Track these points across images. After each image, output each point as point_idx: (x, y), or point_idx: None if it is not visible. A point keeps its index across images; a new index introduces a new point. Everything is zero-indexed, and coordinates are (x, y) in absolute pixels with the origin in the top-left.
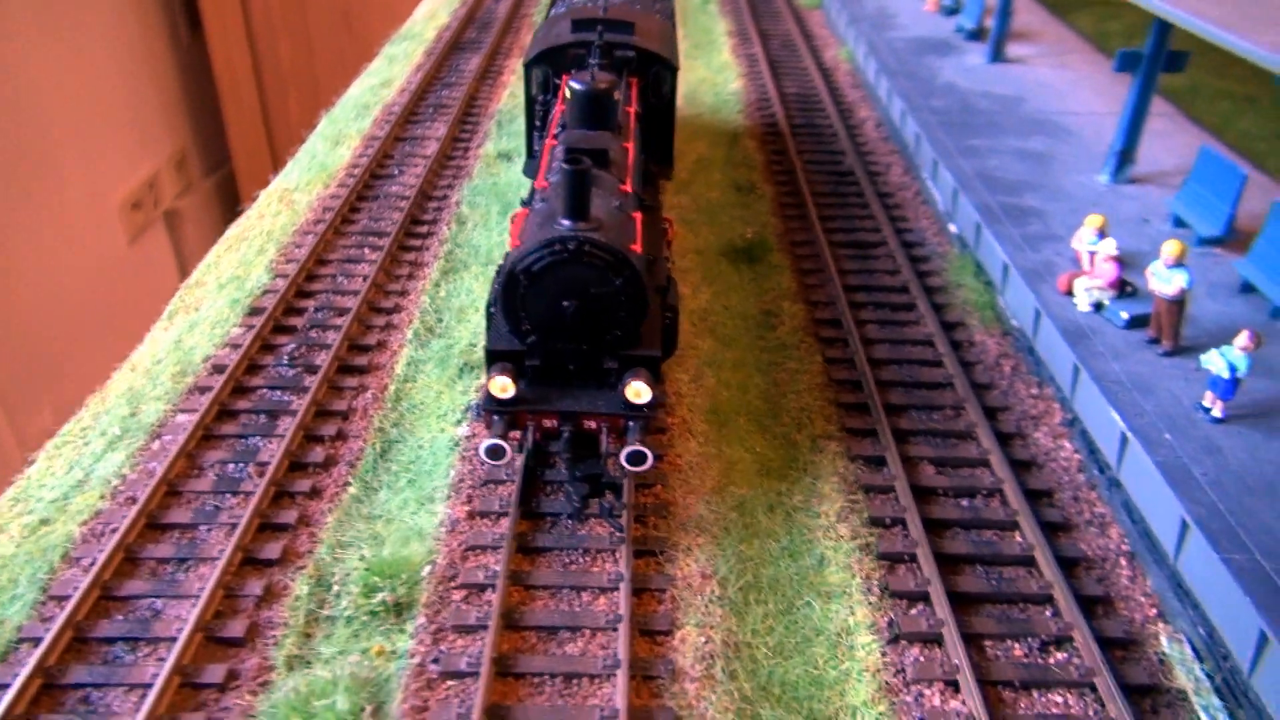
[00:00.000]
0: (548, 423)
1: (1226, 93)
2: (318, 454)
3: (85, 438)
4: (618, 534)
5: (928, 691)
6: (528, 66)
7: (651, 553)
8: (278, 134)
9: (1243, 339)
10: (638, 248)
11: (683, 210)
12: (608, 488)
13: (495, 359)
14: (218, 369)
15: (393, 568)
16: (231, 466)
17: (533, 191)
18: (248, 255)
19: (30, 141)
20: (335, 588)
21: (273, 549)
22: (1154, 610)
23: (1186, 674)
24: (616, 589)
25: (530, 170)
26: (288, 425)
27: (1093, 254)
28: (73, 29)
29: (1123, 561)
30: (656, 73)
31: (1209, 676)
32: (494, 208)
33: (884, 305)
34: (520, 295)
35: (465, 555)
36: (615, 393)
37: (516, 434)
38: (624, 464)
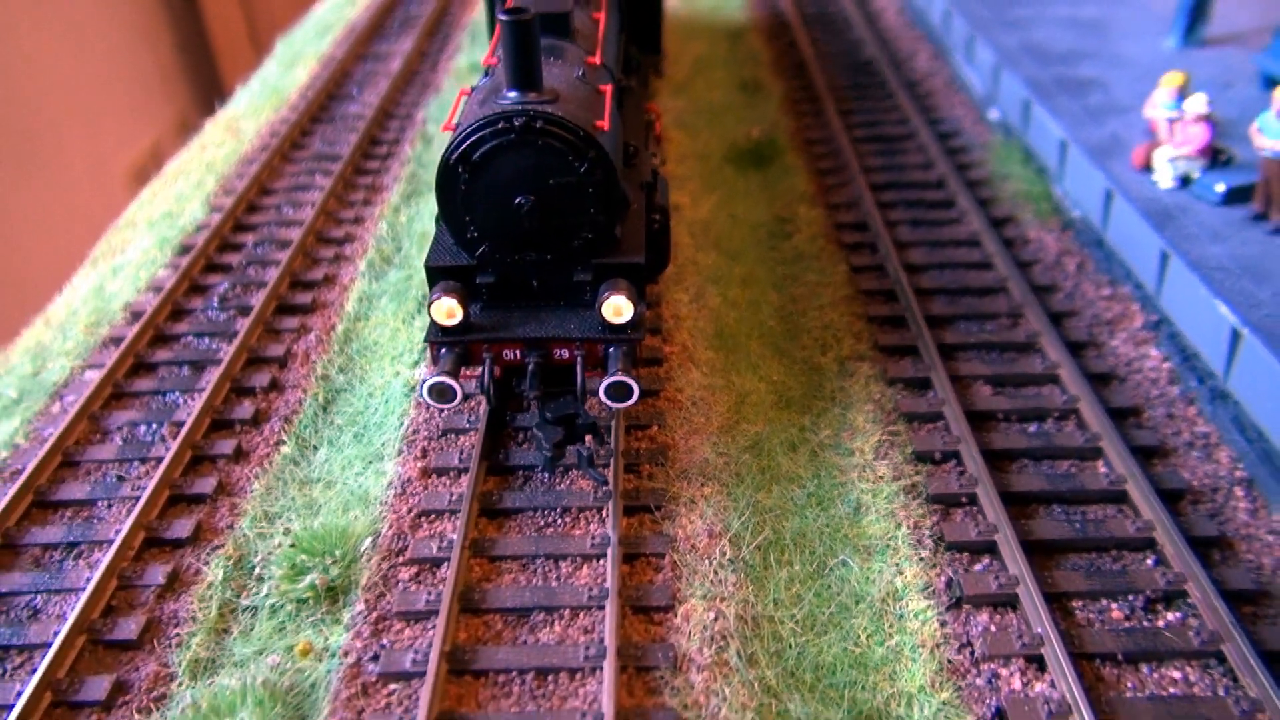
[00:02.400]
0: (509, 353)
1: None
2: (245, 409)
3: None
4: (602, 487)
5: (1004, 671)
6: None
7: (646, 508)
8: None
9: None
10: (604, 124)
11: (679, 113)
12: (586, 430)
13: (438, 276)
14: (135, 316)
15: (326, 542)
16: (142, 429)
17: (483, 73)
18: (184, 190)
19: (29, 115)
20: (257, 570)
21: (183, 526)
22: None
23: None
24: (603, 556)
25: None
26: (211, 377)
27: (1172, 121)
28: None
29: (1238, 492)
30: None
31: None
32: None
33: (918, 204)
34: (461, 193)
35: (416, 523)
36: (590, 312)
37: (472, 371)
38: (604, 399)
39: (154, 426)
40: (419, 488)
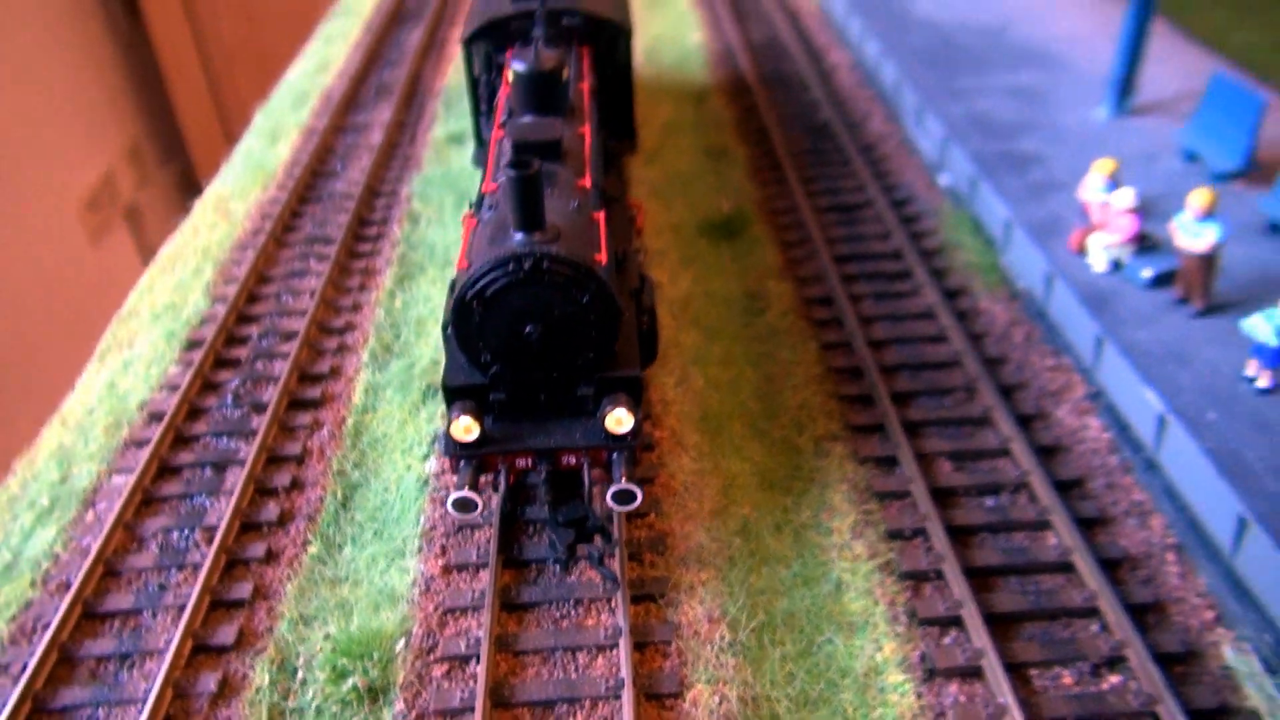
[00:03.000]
0: (521, 462)
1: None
2: (271, 510)
3: (13, 510)
4: (611, 583)
5: None
6: (466, 44)
7: (650, 597)
8: (231, 115)
9: None
10: (603, 257)
11: (652, 183)
12: (596, 531)
13: (455, 396)
14: (155, 417)
15: (363, 644)
16: (176, 535)
17: (480, 197)
18: (183, 278)
19: None
20: (300, 673)
21: (227, 632)
22: (1212, 614)
23: (1258, 691)
24: (615, 646)
25: (479, 159)
26: (236, 479)
27: (1104, 205)
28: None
29: (1169, 557)
30: (609, 39)
31: None
32: (448, 200)
33: (877, 275)
34: (476, 324)
35: (443, 620)
36: (594, 420)
37: (487, 478)
38: (611, 504)
39: (186, 532)
40: (442, 585)
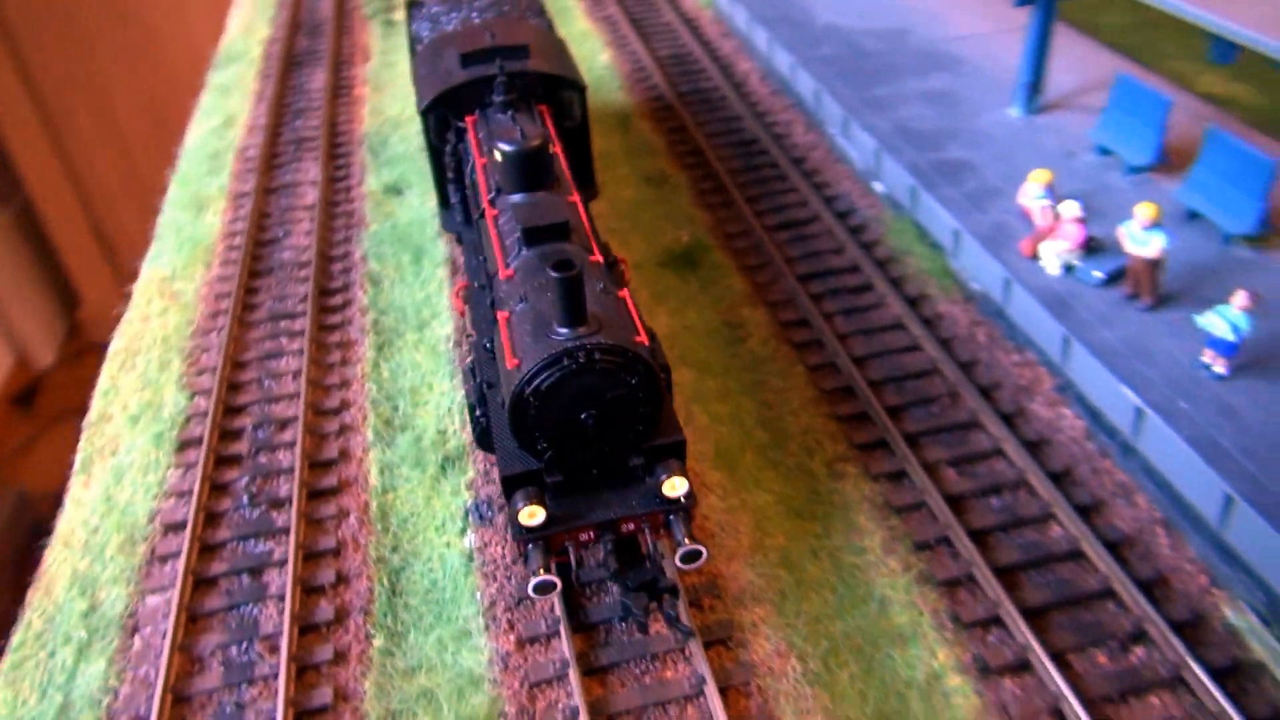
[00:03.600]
0: (584, 536)
1: None
2: (325, 609)
3: (47, 648)
4: (685, 636)
5: None
6: (424, 115)
7: (721, 641)
8: (74, 150)
9: (1241, 299)
10: (643, 338)
11: (603, 217)
12: (665, 591)
13: (515, 485)
14: (172, 528)
15: None
16: (235, 650)
17: (489, 280)
18: (149, 373)
19: None
20: None
21: None
22: (1205, 579)
23: (1260, 644)
24: (701, 694)
25: (450, 224)
26: (280, 582)
27: (1045, 209)
28: None
29: (1159, 531)
30: (565, 95)
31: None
32: (404, 257)
33: (841, 291)
34: (533, 416)
35: (532, 694)
36: (644, 485)
37: (553, 558)
38: (680, 565)
39: (245, 645)
40: (519, 660)
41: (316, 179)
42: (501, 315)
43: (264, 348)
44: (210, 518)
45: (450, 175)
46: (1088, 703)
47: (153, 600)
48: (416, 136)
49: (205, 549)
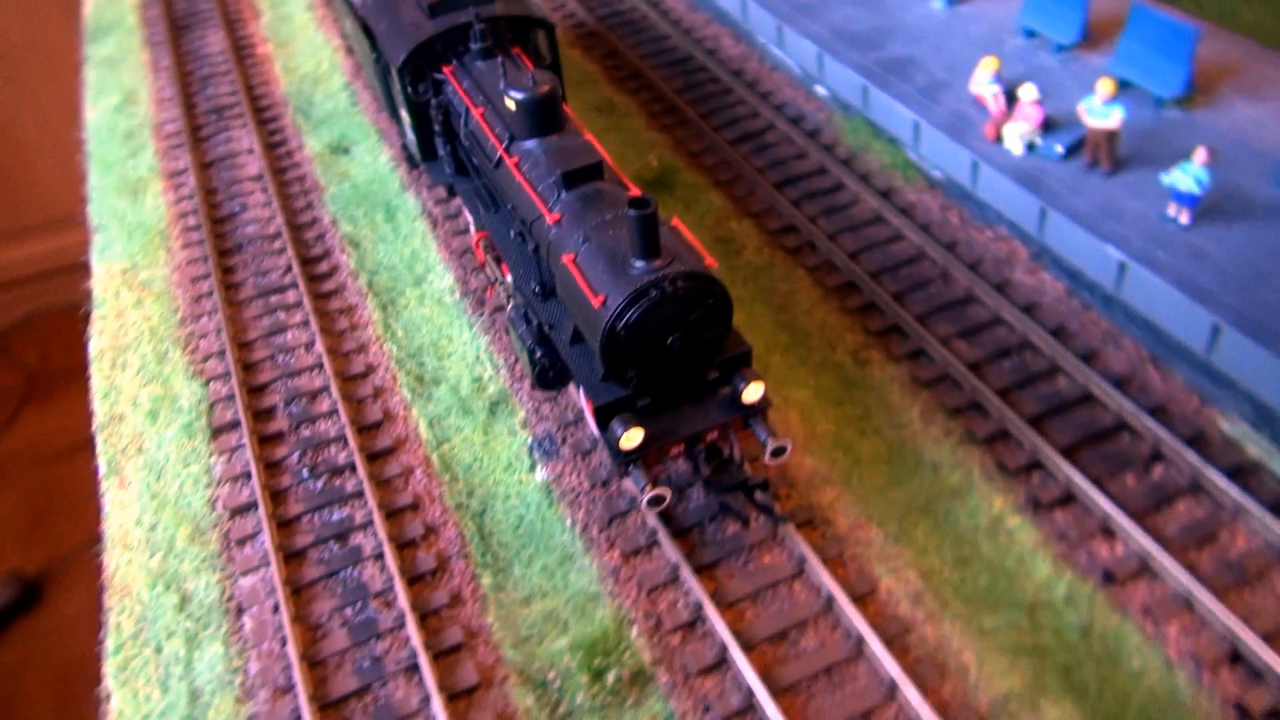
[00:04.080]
0: (675, 450)
1: None
2: (425, 560)
3: (150, 644)
4: (780, 522)
5: (1094, 547)
6: (400, 71)
7: (809, 523)
8: None
9: (1201, 155)
10: (711, 261)
11: None
12: (757, 487)
13: (610, 413)
14: (240, 511)
15: (599, 641)
16: (350, 610)
17: (527, 225)
18: (149, 368)
19: None
20: (557, 684)
21: (469, 675)
22: (1197, 400)
23: (1255, 446)
24: (802, 572)
25: (440, 175)
26: (372, 543)
27: (996, 95)
28: None
29: (1149, 367)
30: (535, 35)
31: (1273, 439)
32: (377, 215)
33: (816, 193)
34: (622, 348)
35: (651, 598)
36: (719, 395)
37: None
38: (769, 461)
39: (360, 606)
40: (629, 571)
41: (253, 147)
42: (567, 257)
43: (265, 324)
44: (275, 496)
45: (437, 128)
46: (1132, 514)
47: (247, 581)
48: (342, 92)
49: (282, 525)
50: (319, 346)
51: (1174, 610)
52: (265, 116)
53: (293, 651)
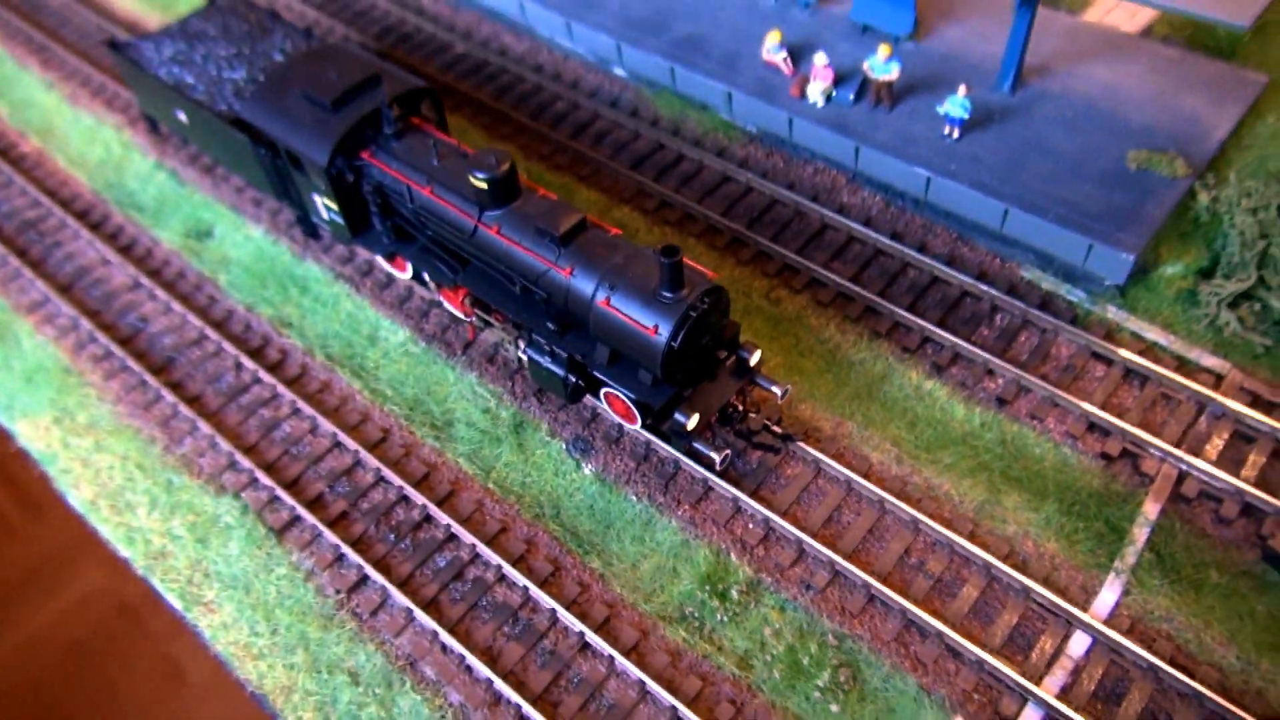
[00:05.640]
0: (713, 419)
1: None
2: (540, 565)
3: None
4: (794, 440)
5: (984, 383)
6: (329, 168)
7: (805, 435)
8: None
9: (962, 90)
10: (712, 274)
11: None
12: (775, 423)
13: (669, 409)
14: (354, 589)
15: (709, 573)
16: (507, 626)
17: (534, 278)
18: (159, 499)
19: None
20: (695, 613)
21: (628, 634)
22: (999, 261)
23: (1046, 283)
24: (820, 470)
25: (379, 246)
26: (492, 570)
27: (785, 59)
28: None
29: (959, 244)
30: (425, 102)
31: (1056, 275)
32: (290, 290)
33: (666, 167)
34: (677, 359)
35: (728, 527)
36: (725, 366)
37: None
38: (781, 400)
39: (513, 619)
40: (699, 515)
41: (107, 257)
42: (602, 303)
43: (255, 425)
44: (380, 565)
45: (374, 208)
46: (997, 354)
47: (404, 639)
48: (158, 174)
49: (403, 585)
50: (327, 426)
51: (1047, 409)
52: (93, 220)
53: (485, 671)
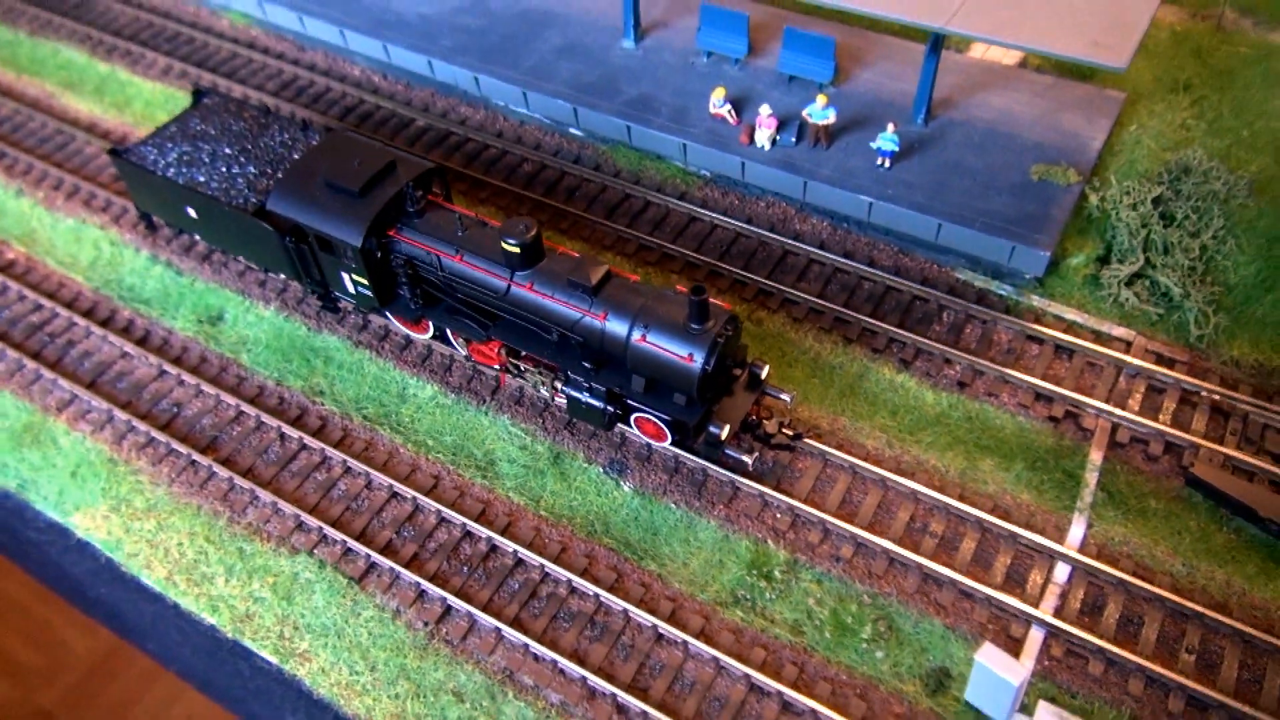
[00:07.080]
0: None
1: None
2: (605, 574)
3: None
4: (803, 437)
5: (946, 371)
6: (364, 249)
7: (810, 433)
8: None
9: (891, 127)
10: (728, 305)
11: None
12: (790, 426)
13: (705, 422)
14: (440, 618)
15: (753, 560)
16: (588, 630)
17: (570, 326)
18: (237, 567)
19: None
20: (747, 595)
21: (694, 620)
22: (936, 268)
23: (979, 281)
24: (827, 460)
25: (409, 312)
26: (563, 585)
27: (730, 111)
28: None
29: (901, 257)
30: (434, 180)
31: (986, 274)
32: (315, 362)
33: (635, 214)
34: (710, 381)
35: (759, 518)
36: (738, 382)
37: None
38: (789, 404)
39: (590, 624)
40: (734, 513)
41: (125, 350)
42: (638, 340)
43: (312, 487)
44: (460, 595)
45: (404, 279)
46: (950, 344)
47: (496, 656)
48: (156, 267)
49: (485, 608)
50: (381, 479)
51: (1000, 386)
52: (100, 316)
53: (578, 670)
